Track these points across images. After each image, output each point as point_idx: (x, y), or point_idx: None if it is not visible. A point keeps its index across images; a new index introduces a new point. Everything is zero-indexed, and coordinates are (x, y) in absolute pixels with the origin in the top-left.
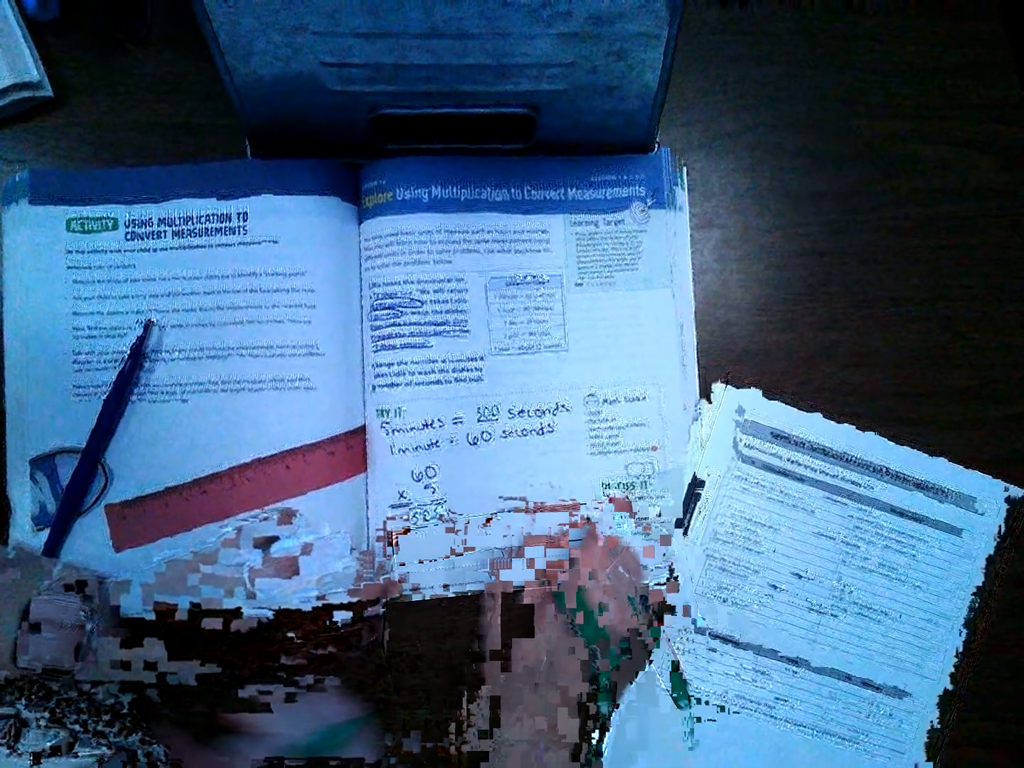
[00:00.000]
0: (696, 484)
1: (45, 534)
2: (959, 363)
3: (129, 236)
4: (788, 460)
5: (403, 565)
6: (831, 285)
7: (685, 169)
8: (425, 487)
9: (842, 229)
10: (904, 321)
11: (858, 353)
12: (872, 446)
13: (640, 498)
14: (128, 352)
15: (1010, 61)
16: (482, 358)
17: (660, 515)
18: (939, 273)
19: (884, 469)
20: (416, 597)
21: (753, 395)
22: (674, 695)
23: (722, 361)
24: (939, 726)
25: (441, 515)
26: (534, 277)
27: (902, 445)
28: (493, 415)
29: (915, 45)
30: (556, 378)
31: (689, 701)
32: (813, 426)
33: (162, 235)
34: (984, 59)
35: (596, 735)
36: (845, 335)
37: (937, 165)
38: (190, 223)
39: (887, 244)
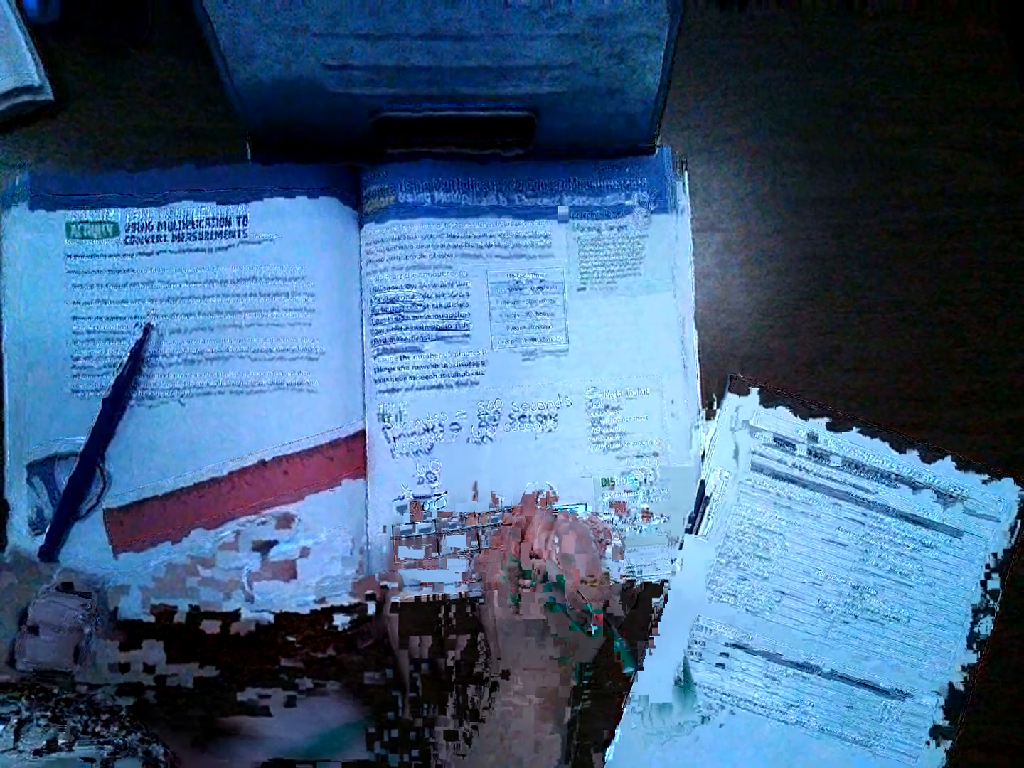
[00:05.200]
0: (703, 491)
1: (42, 539)
2: (961, 368)
3: (129, 240)
4: (794, 466)
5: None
6: (832, 289)
7: (687, 174)
8: (427, 490)
9: (843, 233)
10: (906, 325)
11: (860, 358)
12: (878, 451)
13: (642, 503)
14: (127, 356)
15: (1010, 65)
16: (483, 362)
17: (665, 519)
18: (941, 277)
19: (891, 474)
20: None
21: (757, 401)
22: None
23: (724, 366)
24: (949, 728)
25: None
26: (536, 282)
27: (907, 450)
28: (494, 419)
29: (915, 49)
30: (557, 382)
31: (692, 690)
32: (818, 432)
33: (162, 239)
34: (984, 63)
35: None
36: (847, 340)
37: (938, 169)
38: (190, 227)
39: (888, 248)
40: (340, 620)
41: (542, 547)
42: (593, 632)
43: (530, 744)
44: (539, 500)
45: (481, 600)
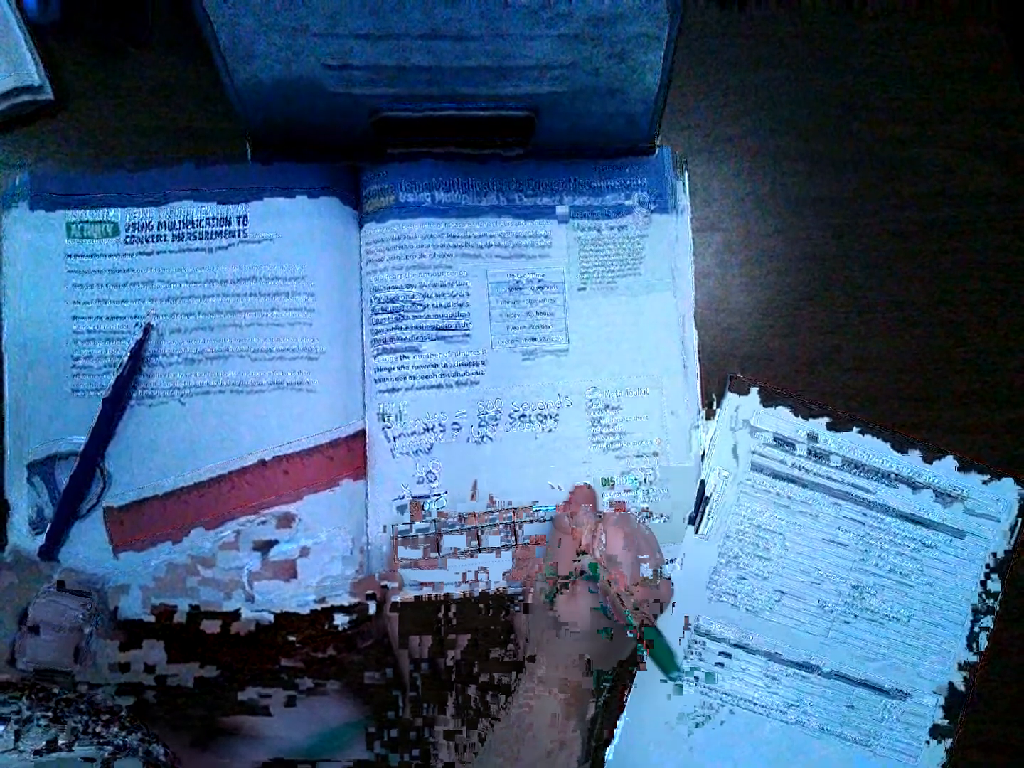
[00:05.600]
0: (703, 491)
1: (42, 538)
2: (960, 367)
3: (129, 239)
4: (794, 466)
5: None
6: (832, 289)
7: (687, 174)
8: (427, 489)
9: (843, 233)
10: (906, 325)
11: (859, 357)
12: (878, 451)
13: (642, 503)
14: (127, 355)
15: (1010, 65)
16: (483, 362)
17: (665, 519)
18: (940, 277)
19: (891, 474)
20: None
21: (757, 401)
22: (660, 664)
23: (724, 366)
24: (949, 728)
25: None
26: (536, 282)
27: (908, 450)
28: (494, 419)
29: (916, 49)
30: (558, 382)
31: (676, 667)
32: (818, 431)
33: (162, 238)
34: (985, 63)
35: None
36: (846, 339)
37: (938, 169)
38: (190, 226)
39: (888, 248)
40: (340, 620)
41: (589, 542)
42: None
43: (544, 745)
44: (585, 494)
45: (520, 598)
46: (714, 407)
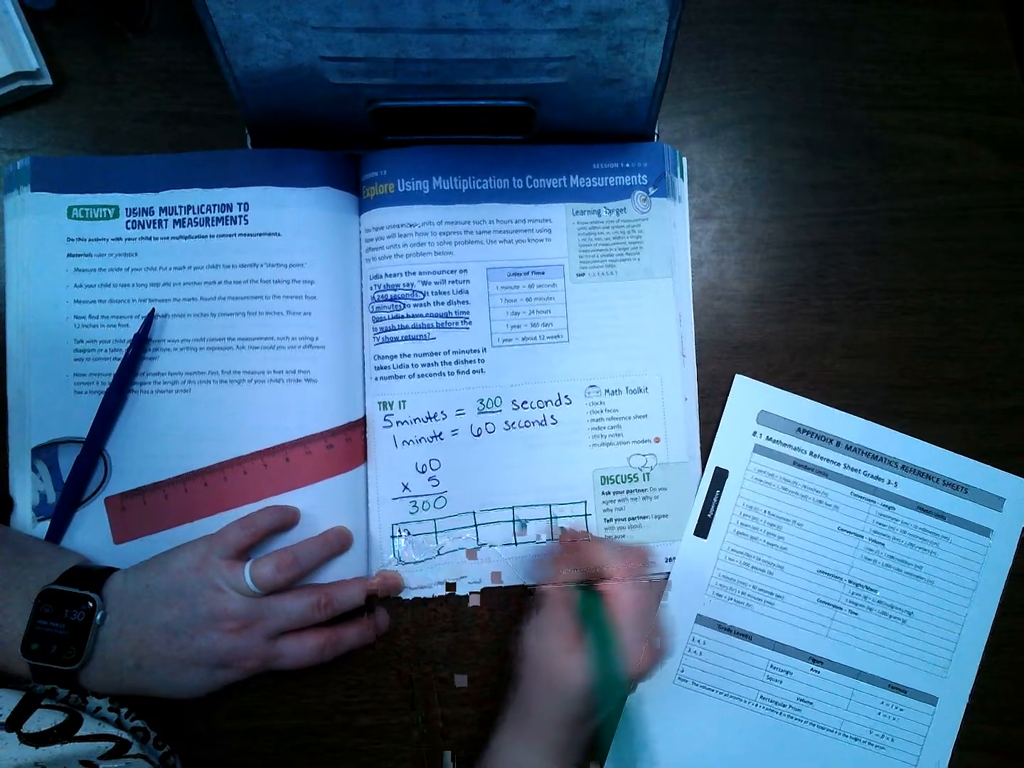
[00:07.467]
0: (704, 482)
1: (46, 525)
2: (953, 356)
3: (130, 224)
4: (811, 454)
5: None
6: (828, 276)
7: (684, 159)
8: (428, 479)
9: (840, 220)
10: (900, 313)
11: (853, 345)
12: (879, 439)
13: (643, 496)
14: (130, 341)
15: (1010, 52)
16: (484, 350)
17: (666, 512)
18: (936, 265)
19: (895, 462)
20: (415, 594)
21: (758, 389)
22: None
23: (721, 353)
24: (951, 726)
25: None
26: (536, 267)
27: (906, 438)
28: (495, 407)
29: (915, 35)
30: (558, 369)
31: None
32: (818, 419)
33: (163, 224)
34: (984, 49)
35: None
36: (841, 327)
37: (936, 156)
38: (191, 212)
39: (884, 235)
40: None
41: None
42: None
43: None
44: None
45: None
46: (714, 395)
